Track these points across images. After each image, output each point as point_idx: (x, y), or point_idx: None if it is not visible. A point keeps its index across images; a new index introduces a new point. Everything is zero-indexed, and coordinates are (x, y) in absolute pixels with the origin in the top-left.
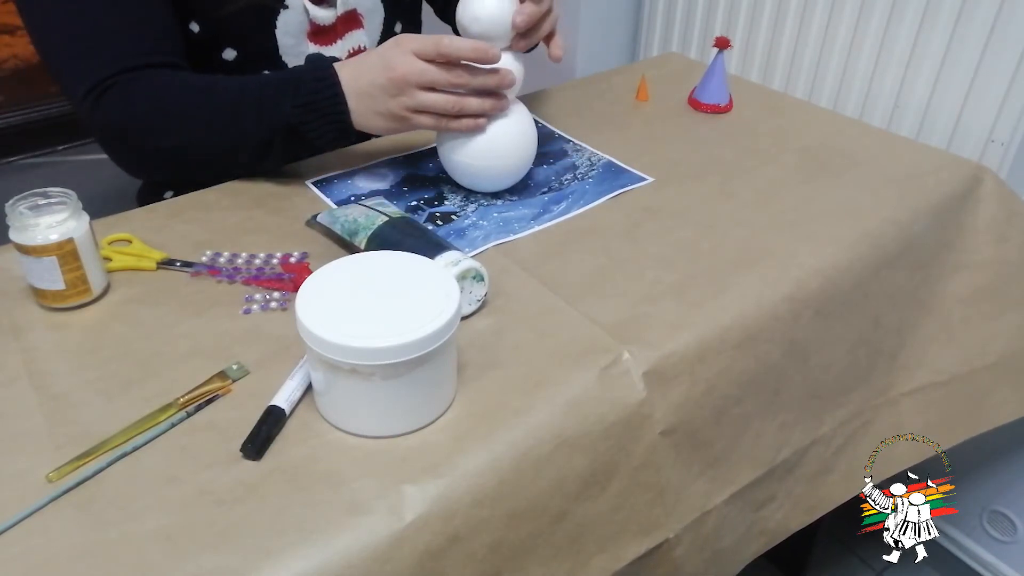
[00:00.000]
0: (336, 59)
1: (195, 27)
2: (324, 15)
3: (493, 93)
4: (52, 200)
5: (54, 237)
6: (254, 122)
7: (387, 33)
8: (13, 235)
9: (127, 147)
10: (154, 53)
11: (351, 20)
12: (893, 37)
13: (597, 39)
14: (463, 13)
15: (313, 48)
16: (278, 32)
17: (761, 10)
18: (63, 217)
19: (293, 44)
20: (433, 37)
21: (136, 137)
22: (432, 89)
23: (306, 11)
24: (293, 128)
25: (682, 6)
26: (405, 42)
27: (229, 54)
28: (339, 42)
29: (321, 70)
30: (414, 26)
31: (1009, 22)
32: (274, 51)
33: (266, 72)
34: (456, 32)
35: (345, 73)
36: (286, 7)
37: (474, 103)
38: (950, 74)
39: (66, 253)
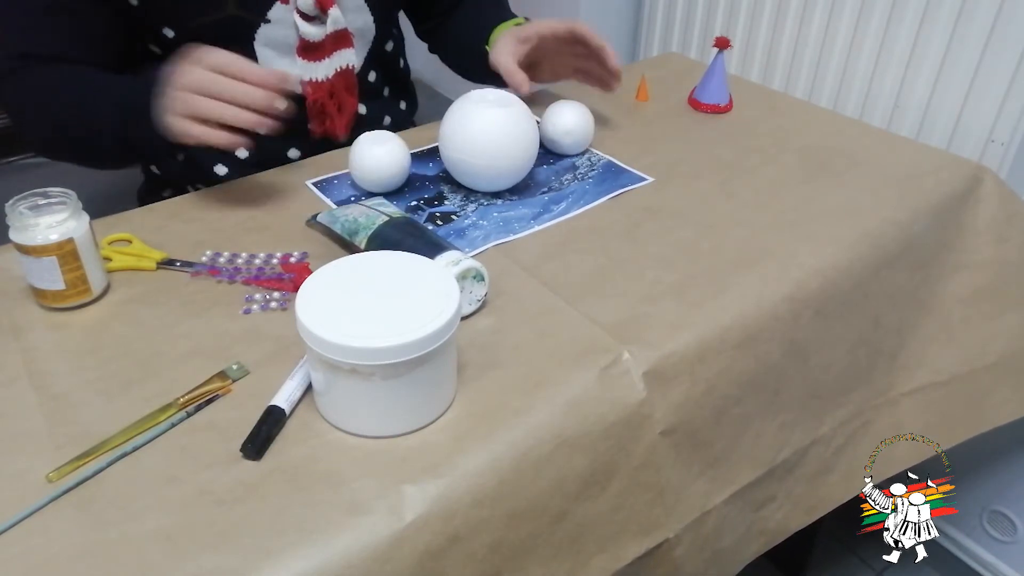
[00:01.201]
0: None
1: (169, 33)
2: (314, 31)
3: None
4: (52, 200)
5: (54, 237)
6: (104, 124)
7: (376, 52)
8: (13, 235)
9: (25, 133)
10: (45, 45)
11: (341, 39)
12: (893, 37)
13: None
14: (553, 129)
15: (302, 63)
16: (257, 45)
17: (761, 10)
18: (63, 217)
19: (276, 57)
20: (235, 60)
21: (27, 126)
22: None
23: (296, 26)
24: (115, 133)
25: (682, 6)
26: (206, 57)
27: None
28: (327, 59)
29: (149, 77)
30: (401, 42)
31: (1009, 22)
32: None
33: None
34: (447, 58)
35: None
36: (267, 21)
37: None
38: (950, 74)
39: (66, 253)
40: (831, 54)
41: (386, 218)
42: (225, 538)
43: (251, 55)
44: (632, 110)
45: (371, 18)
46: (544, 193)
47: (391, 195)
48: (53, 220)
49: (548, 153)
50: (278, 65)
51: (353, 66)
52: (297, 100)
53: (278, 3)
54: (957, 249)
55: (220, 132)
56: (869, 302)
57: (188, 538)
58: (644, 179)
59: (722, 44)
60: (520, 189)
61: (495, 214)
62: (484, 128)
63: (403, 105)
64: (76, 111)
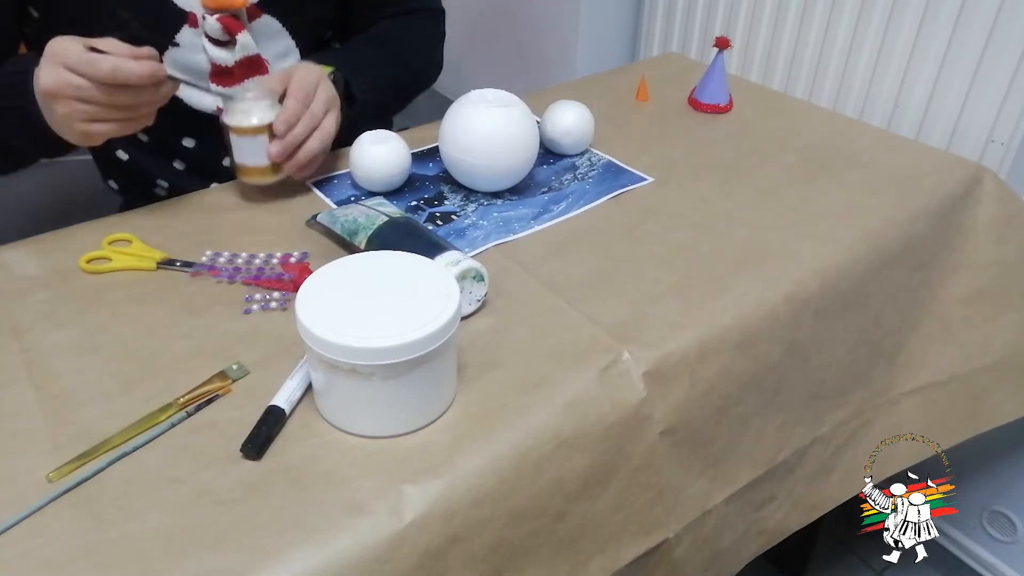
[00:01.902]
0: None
1: (34, 12)
2: (224, 56)
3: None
4: (254, 90)
5: (258, 121)
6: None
7: None
8: (228, 118)
9: None
10: None
11: (253, 65)
12: (893, 37)
13: (597, 39)
14: (553, 129)
15: (216, 89)
16: (166, 67)
17: (761, 10)
18: (268, 104)
19: (188, 80)
20: (98, 59)
21: None
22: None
23: (205, 50)
24: None
25: (682, 6)
26: (61, 55)
27: None
28: (239, 86)
29: (16, 74)
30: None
31: (1009, 22)
32: None
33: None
34: None
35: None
36: (176, 44)
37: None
38: (950, 74)
39: (266, 136)
40: (831, 54)
41: (386, 218)
42: (225, 538)
43: None
44: (632, 110)
45: (292, 43)
46: (544, 193)
47: (391, 195)
48: (261, 105)
49: (548, 153)
50: (189, 89)
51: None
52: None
53: (186, 26)
54: (957, 249)
55: (125, 123)
56: (869, 302)
57: (188, 538)
58: (644, 179)
59: (722, 44)
60: (520, 189)
61: (495, 214)
62: (484, 128)
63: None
64: None
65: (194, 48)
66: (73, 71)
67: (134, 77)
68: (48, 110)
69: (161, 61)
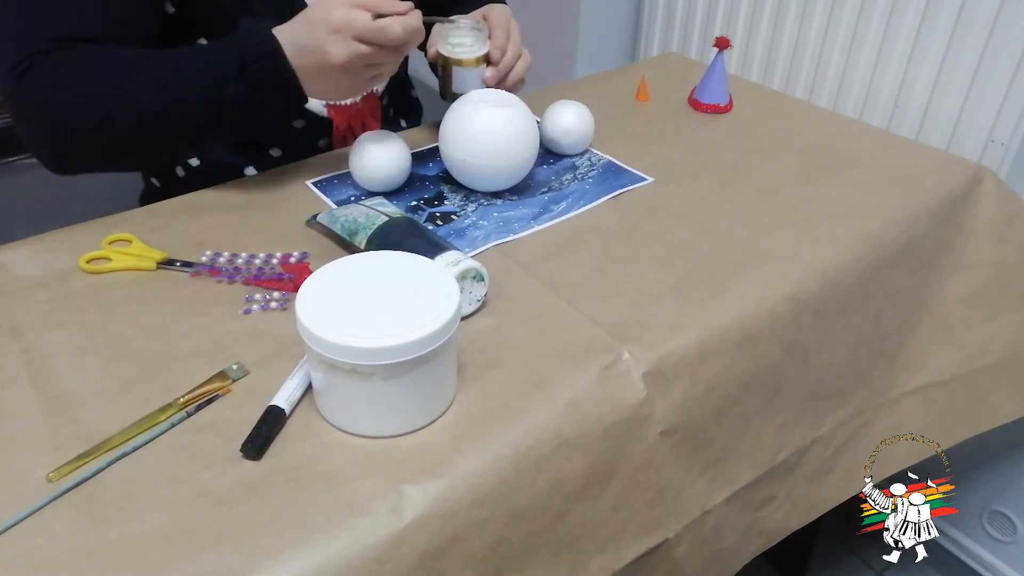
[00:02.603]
0: (273, 24)
1: (170, 8)
2: None
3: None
4: (464, 26)
5: (478, 52)
6: (196, 98)
7: (396, 75)
8: (448, 51)
9: (54, 126)
10: (80, 27)
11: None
12: (893, 37)
13: (597, 39)
14: (553, 129)
15: (435, 19)
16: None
17: (761, 10)
18: (483, 37)
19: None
20: (388, 26)
21: (64, 113)
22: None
23: None
24: (242, 106)
25: (682, 6)
26: (348, 27)
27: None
28: (454, 20)
29: (263, 43)
30: (405, 61)
31: (1009, 22)
32: None
33: (202, 42)
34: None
35: (284, 37)
36: None
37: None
38: (950, 74)
39: (483, 66)
40: (831, 54)
41: (386, 218)
42: (225, 538)
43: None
44: (632, 110)
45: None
46: (544, 193)
47: (391, 195)
48: (475, 38)
49: (548, 153)
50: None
51: (377, 91)
52: (315, 121)
53: None
54: (957, 249)
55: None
56: (869, 302)
57: (188, 538)
58: (644, 179)
59: (722, 44)
60: (520, 189)
61: (495, 214)
62: (484, 128)
63: (404, 124)
64: (155, 83)
65: None
66: (365, 42)
67: (419, 32)
68: (324, 79)
69: None
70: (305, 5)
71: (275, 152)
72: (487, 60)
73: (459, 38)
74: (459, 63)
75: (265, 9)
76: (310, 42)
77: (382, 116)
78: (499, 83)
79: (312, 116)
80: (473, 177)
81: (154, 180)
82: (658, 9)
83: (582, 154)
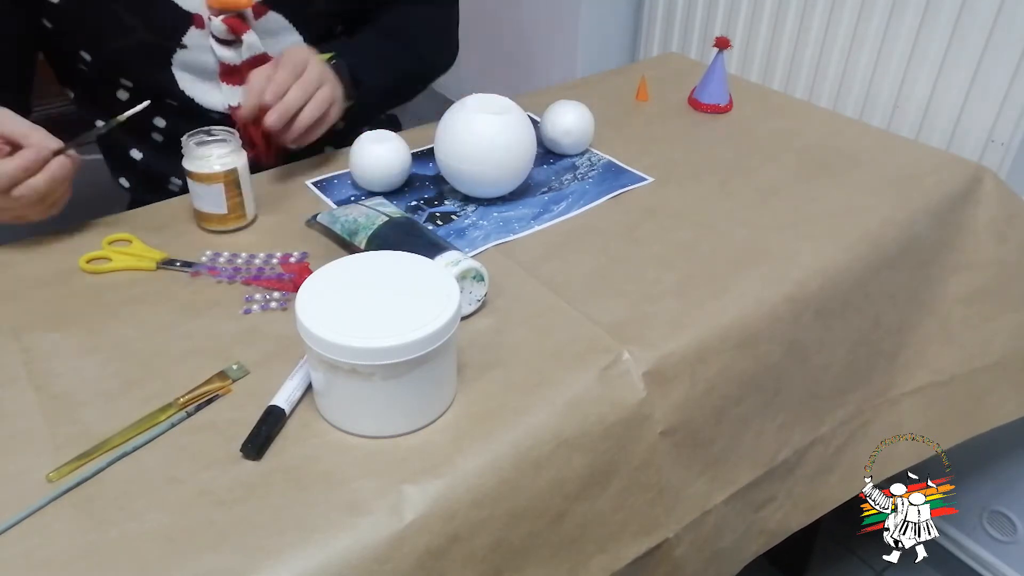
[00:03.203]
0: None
1: (87, 56)
2: (231, 55)
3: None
4: (216, 137)
5: (220, 167)
6: None
7: None
8: (187, 164)
9: None
10: None
11: (260, 63)
12: (893, 37)
13: (597, 39)
14: (553, 129)
15: (226, 88)
16: (174, 69)
17: (761, 10)
18: (228, 151)
19: (197, 82)
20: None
21: None
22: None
23: (212, 51)
24: None
25: (682, 6)
26: None
27: (126, 84)
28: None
29: None
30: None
31: (1009, 22)
32: (173, 86)
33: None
34: None
35: None
36: (183, 46)
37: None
38: (950, 74)
39: (230, 181)
40: (831, 54)
41: (386, 218)
42: (225, 538)
43: (169, 79)
44: (632, 110)
45: (299, 38)
46: (544, 193)
47: (391, 195)
48: (221, 152)
49: (548, 153)
50: (200, 89)
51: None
52: (227, 123)
53: (192, 28)
54: (957, 249)
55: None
56: (869, 302)
57: (188, 538)
58: (644, 179)
59: (722, 44)
60: (520, 189)
61: (495, 214)
62: (479, 136)
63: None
64: None
65: (202, 49)
66: None
67: (4, 178)
68: None
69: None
70: (180, 11)
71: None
72: (235, 176)
73: (205, 148)
74: (194, 177)
75: (136, 20)
76: None
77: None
78: (283, 131)
79: (218, 114)
80: (469, 184)
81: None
82: (658, 9)
83: (582, 154)
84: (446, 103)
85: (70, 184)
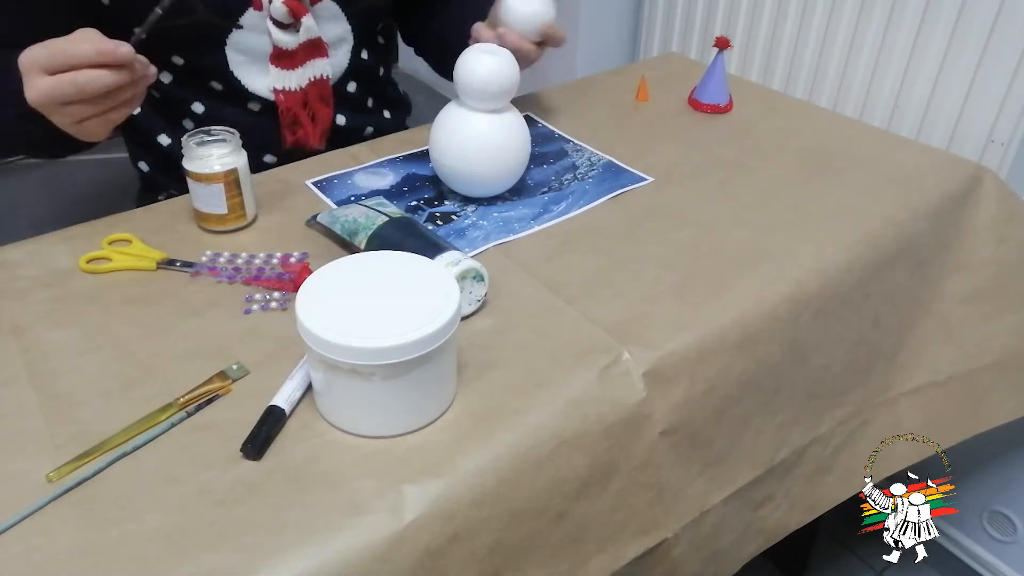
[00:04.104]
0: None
1: (141, 35)
2: (287, 39)
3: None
4: (216, 137)
5: (220, 167)
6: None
7: (355, 62)
8: (187, 164)
9: None
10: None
11: (314, 48)
12: (893, 37)
13: (597, 39)
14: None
15: (275, 71)
16: (227, 50)
17: (761, 10)
18: (228, 151)
19: (247, 63)
20: (61, 48)
21: None
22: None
23: (269, 33)
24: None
25: (682, 6)
26: (38, 60)
27: (175, 63)
28: (300, 68)
29: (11, 83)
30: (384, 52)
31: (1009, 22)
32: (223, 67)
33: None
34: (432, 60)
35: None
36: (239, 27)
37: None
38: (950, 74)
39: (230, 181)
40: (831, 54)
41: (386, 218)
42: (225, 538)
43: (222, 59)
44: (632, 110)
45: (349, 27)
46: (544, 193)
47: (391, 195)
48: (221, 152)
49: (547, 153)
50: (248, 71)
51: (327, 76)
52: (269, 107)
53: (251, 9)
54: (957, 249)
55: (113, 111)
56: (869, 302)
57: (188, 538)
58: (644, 179)
59: (722, 44)
60: (520, 189)
61: (495, 214)
62: (472, 136)
63: (387, 115)
64: None
65: (257, 30)
66: (54, 73)
67: (113, 50)
68: (58, 116)
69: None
70: None
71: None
72: (235, 176)
73: (205, 148)
74: (194, 177)
75: None
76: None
77: (350, 103)
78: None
79: (262, 99)
80: (464, 184)
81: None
82: (658, 9)
83: (582, 154)
84: (447, 104)
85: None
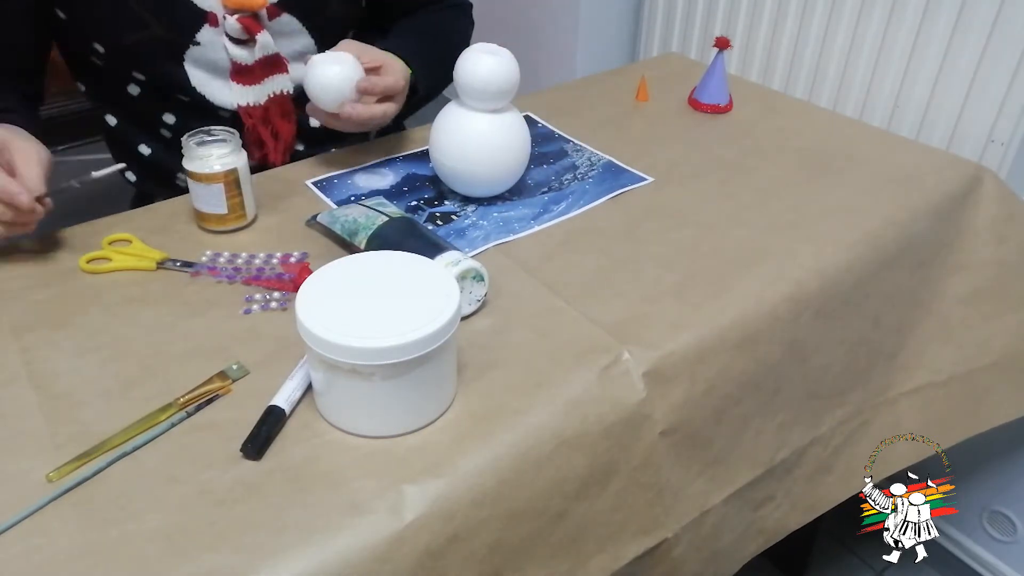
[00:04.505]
0: None
1: (100, 48)
2: (244, 55)
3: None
4: (216, 137)
5: (220, 167)
6: None
7: None
8: (187, 164)
9: None
10: None
11: (273, 64)
12: (893, 37)
13: (597, 39)
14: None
15: (236, 87)
16: (187, 65)
17: (761, 10)
18: (228, 151)
19: (209, 79)
20: None
21: None
22: None
23: (226, 49)
24: None
25: (682, 6)
26: None
27: (138, 78)
28: (259, 84)
29: None
30: None
31: (1009, 22)
32: (185, 82)
33: (96, 47)
34: None
35: None
36: (196, 43)
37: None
38: (950, 74)
39: (230, 181)
40: (831, 54)
41: (386, 218)
42: (225, 538)
43: (182, 75)
44: (632, 110)
45: (311, 41)
46: (544, 193)
47: (391, 195)
48: (221, 152)
49: (547, 153)
50: (212, 86)
51: (288, 92)
52: (238, 117)
53: (207, 25)
54: (957, 249)
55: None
56: (869, 302)
57: (188, 538)
58: (644, 179)
59: (722, 44)
60: (520, 189)
61: (495, 214)
62: (471, 135)
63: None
64: None
65: (215, 47)
66: None
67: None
68: None
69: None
70: (195, 8)
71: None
72: (235, 176)
73: (205, 148)
74: (194, 177)
75: (151, 16)
76: None
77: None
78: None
79: (228, 112)
80: (464, 184)
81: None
82: (658, 9)
83: (582, 154)
84: (447, 104)
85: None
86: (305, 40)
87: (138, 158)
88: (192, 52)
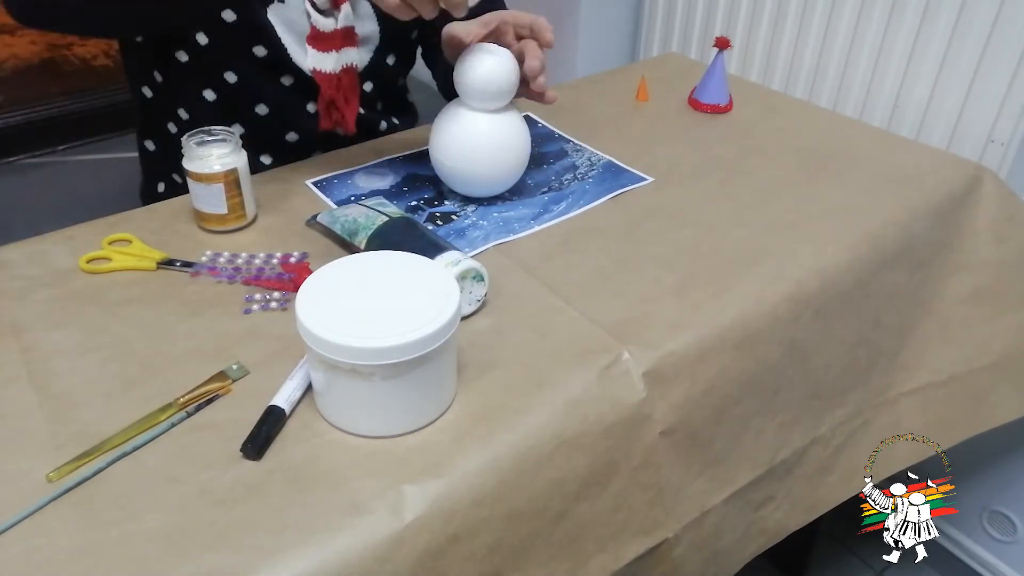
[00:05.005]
0: None
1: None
2: (324, 22)
3: None
4: (216, 137)
5: (220, 167)
6: None
7: (377, 63)
8: (187, 164)
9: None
10: None
11: (348, 36)
12: (893, 37)
13: (597, 39)
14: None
15: (312, 52)
16: (270, 15)
17: (761, 10)
18: (228, 150)
19: (286, 34)
20: None
21: None
22: None
23: (308, 15)
24: None
25: (682, 6)
26: None
27: (228, 16)
28: (335, 53)
29: None
30: (408, 62)
31: (1009, 22)
32: (271, 31)
33: None
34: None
35: None
36: (282, 1)
37: None
38: (950, 74)
39: (230, 181)
40: (831, 54)
41: (386, 218)
42: (225, 538)
43: (265, 24)
44: (632, 110)
45: (377, 28)
46: (544, 193)
47: (391, 195)
48: (221, 152)
49: (547, 153)
50: (287, 43)
51: (356, 65)
52: (301, 85)
53: None
54: (957, 249)
55: None
56: (869, 302)
57: (188, 538)
58: (644, 179)
59: (722, 44)
60: (520, 189)
61: (495, 214)
62: (471, 135)
63: (395, 121)
64: None
65: (296, 8)
66: None
67: None
68: None
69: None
70: None
71: (261, 109)
72: (235, 176)
73: (205, 148)
74: (194, 177)
75: None
76: None
77: (364, 101)
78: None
79: (299, 73)
80: (463, 183)
81: (159, 185)
82: (658, 9)
83: (582, 154)
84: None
85: None
86: (373, 26)
87: (176, 121)
88: (275, 8)
